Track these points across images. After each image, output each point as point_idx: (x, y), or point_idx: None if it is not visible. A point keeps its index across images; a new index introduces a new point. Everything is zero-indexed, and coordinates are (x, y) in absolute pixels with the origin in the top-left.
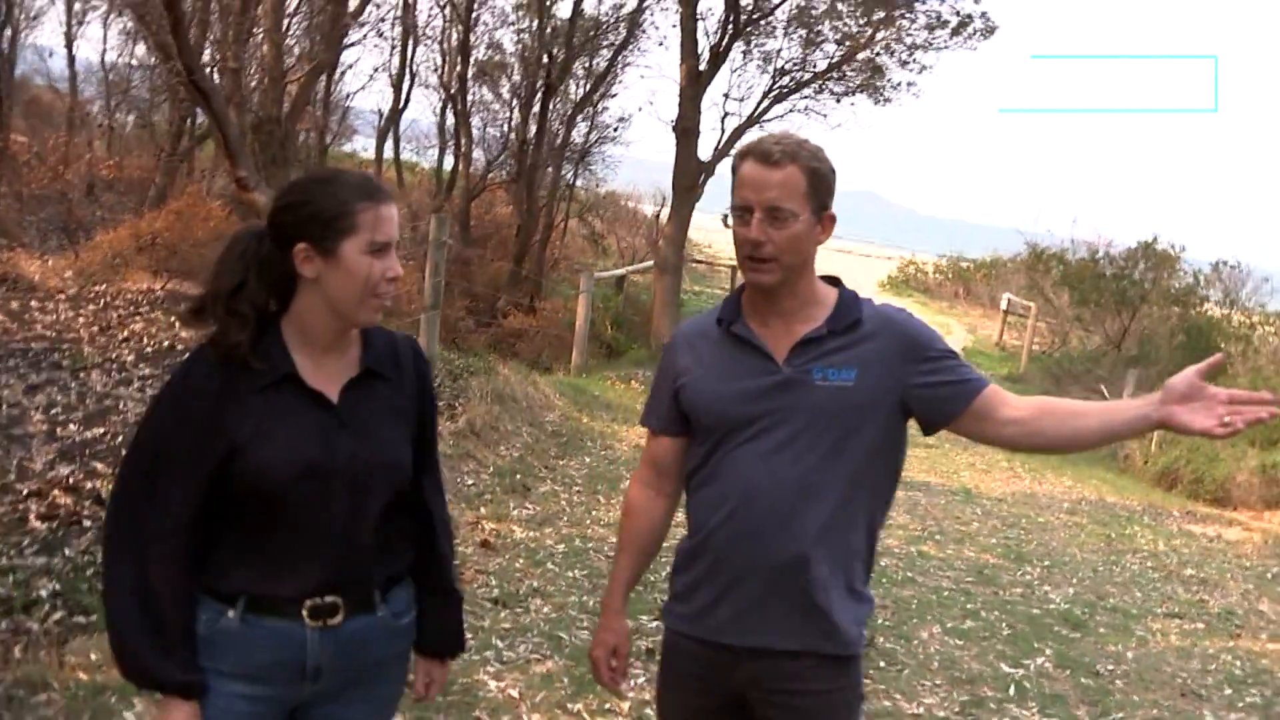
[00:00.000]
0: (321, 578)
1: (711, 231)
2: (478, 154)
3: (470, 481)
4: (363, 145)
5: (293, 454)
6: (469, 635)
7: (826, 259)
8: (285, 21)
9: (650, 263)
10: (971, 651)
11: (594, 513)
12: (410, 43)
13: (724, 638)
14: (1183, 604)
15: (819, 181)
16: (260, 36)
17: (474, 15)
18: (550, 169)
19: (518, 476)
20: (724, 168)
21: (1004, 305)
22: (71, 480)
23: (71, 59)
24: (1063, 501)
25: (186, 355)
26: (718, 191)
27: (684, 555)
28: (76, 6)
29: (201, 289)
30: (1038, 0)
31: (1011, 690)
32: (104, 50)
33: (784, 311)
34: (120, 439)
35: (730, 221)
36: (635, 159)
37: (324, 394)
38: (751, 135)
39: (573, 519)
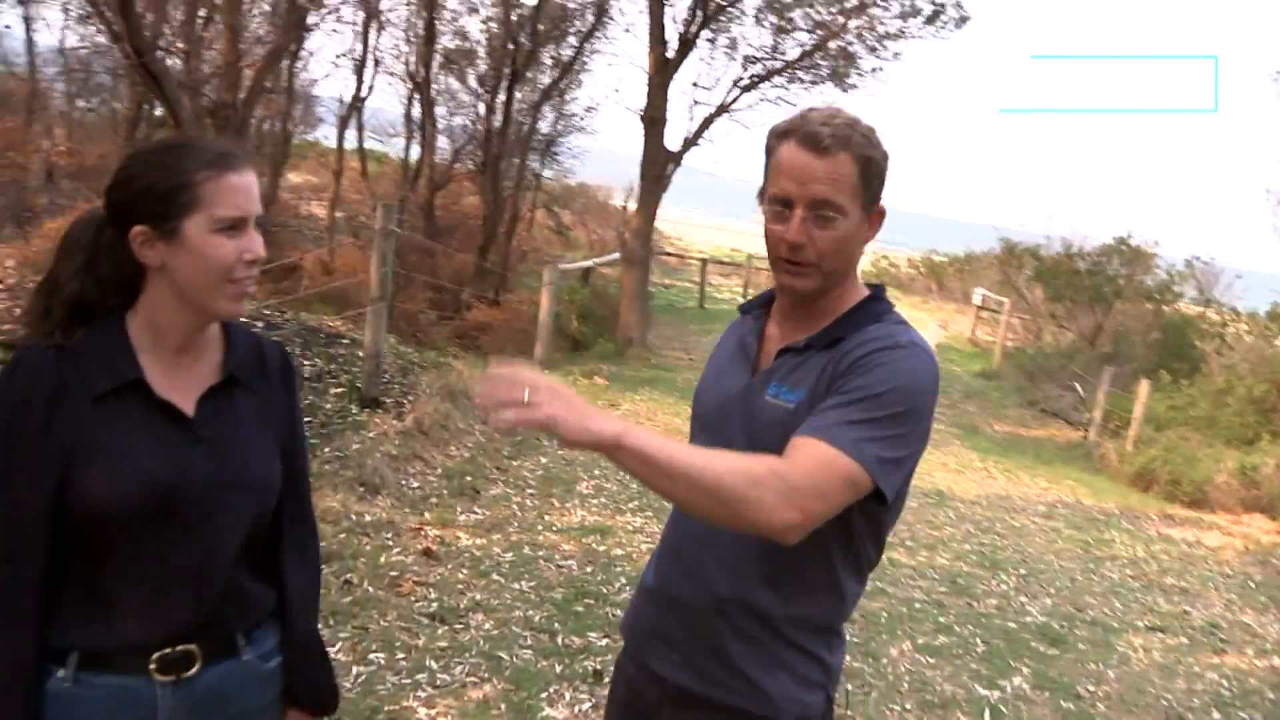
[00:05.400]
0: (172, 624)
1: (680, 223)
2: (444, 143)
3: (415, 484)
4: (324, 134)
5: (135, 476)
6: (401, 655)
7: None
8: (244, 5)
9: (617, 255)
10: (944, 671)
11: (546, 518)
12: (374, 28)
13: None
14: (1164, 616)
15: (872, 171)
16: (217, 20)
17: (438, 1)
18: (516, 159)
19: (467, 478)
20: (693, 158)
21: (977, 301)
22: None
23: (30, 42)
24: (1038, 504)
25: (9, 360)
26: (687, 183)
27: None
28: None
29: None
30: (1037, 0)
31: (987, 715)
32: (64, 33)
33: (809, 316)
34: None
35: (763, 212)
36: (607, 149)
37: (175, 405)
38: (722, 125)
39: (523, 525)
